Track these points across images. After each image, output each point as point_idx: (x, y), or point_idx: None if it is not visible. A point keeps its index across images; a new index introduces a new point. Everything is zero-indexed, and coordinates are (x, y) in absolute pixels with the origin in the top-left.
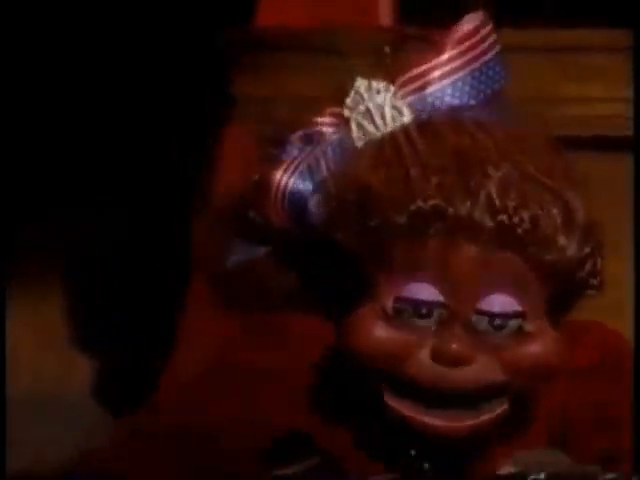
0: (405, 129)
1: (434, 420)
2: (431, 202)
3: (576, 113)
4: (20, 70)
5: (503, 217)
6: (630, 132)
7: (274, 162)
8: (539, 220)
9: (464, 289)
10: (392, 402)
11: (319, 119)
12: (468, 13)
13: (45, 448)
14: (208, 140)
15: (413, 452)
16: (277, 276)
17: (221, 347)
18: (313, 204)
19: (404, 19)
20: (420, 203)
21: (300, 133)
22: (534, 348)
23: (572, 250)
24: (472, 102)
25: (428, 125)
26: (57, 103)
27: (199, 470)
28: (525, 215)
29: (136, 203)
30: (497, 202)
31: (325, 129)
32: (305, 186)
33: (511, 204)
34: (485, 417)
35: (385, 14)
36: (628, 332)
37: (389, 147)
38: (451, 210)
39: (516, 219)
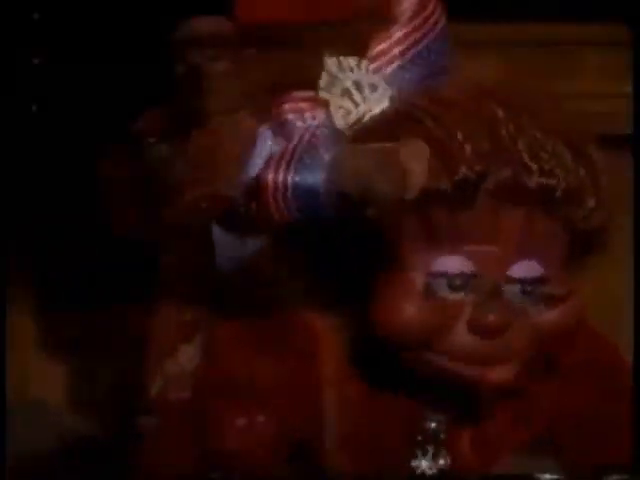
0: (412, 102)
1: (472, 370)
2: (477, 168)
3: (573, 110)
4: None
5: (542, 179)
6: (629, 130)
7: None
8: (572, 180)
9: (497, 257)
10: (431, 357)
11: (285, 106)
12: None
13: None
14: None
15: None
16: (280, 269)
17: (218, 351)
18: (328, 187)
19: None
20: (465, 170)
21: (267, 126)
22: (561, 310)
23: (599, 212)
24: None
25: (432, 95)
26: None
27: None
28: (560, 175)
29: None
30: (533, 165)
31: (292, 116)
32: (308, 176)
33: (546, 166)
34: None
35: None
36: (628, 331)
37: (404, 120)
38: (495, 175)
39: (553, 181)
